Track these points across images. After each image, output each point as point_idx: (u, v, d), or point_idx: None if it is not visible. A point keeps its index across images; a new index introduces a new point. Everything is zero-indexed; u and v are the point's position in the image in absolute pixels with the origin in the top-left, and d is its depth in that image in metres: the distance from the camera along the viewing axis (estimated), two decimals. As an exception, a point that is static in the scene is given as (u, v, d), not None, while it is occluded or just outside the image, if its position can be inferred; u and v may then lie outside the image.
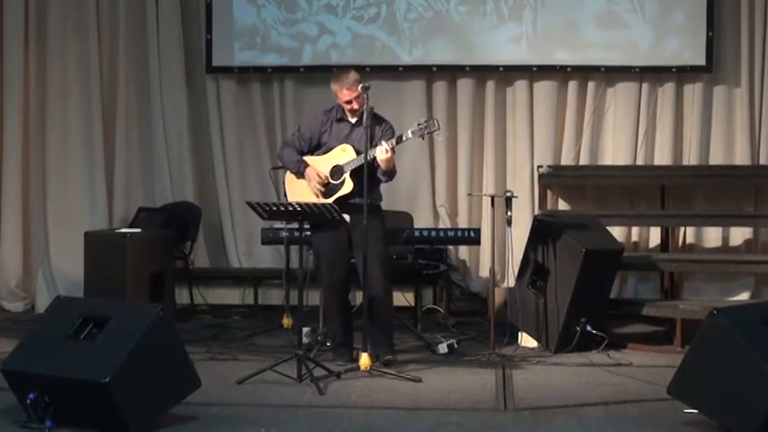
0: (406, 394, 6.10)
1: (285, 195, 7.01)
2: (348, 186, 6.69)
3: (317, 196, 6.73)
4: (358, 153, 6.67)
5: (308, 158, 6.86)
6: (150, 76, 9.19)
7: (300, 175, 6.83)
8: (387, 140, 6.59)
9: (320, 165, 6.79)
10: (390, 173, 6.69)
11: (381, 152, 6.53)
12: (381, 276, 6.73)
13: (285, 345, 7.36)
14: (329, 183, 6.74)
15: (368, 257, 6.58)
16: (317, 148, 6.89)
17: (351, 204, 6.66)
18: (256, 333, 7.94)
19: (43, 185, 9.21)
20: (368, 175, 6.54)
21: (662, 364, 6.75)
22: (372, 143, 6.60)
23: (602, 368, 6.85)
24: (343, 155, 6.73)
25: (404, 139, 6.67)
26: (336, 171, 6.73)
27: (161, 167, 9.22)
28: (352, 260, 6.84)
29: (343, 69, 7.05)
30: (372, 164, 6.59)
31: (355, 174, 6.66)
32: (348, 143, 6.75)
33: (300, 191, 6.83)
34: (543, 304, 7.38)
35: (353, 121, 6.82)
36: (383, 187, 6.92)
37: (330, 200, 6.69)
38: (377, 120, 6.81)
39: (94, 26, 9.13)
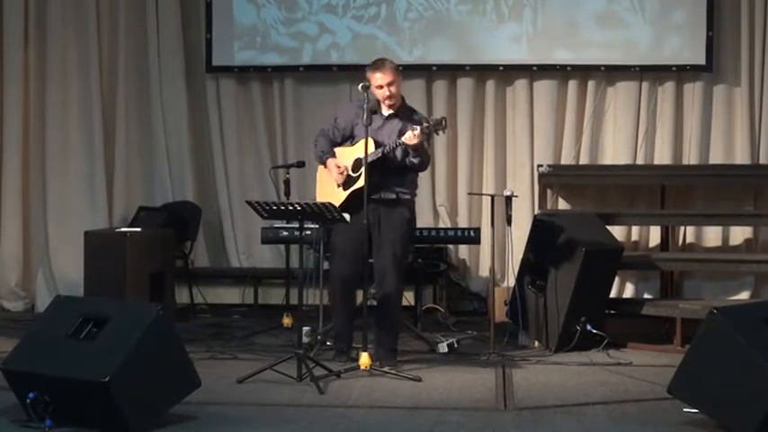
0: (406, 394, 6.09)
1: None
2: (362, 180, 6.61)
3: (338, 186, 6.74)
4: (378, 146, 6.63)
5: (337, 150, 6.87)
6: (150, 76, 9.19)
7: (324, 165, 6.85)
8: (413, 129, 6.50)
9: (346, 156, 6.79)
10: (420, 154, 6.58)
11: (410, 137, 6.46)
12: (394, 277, 6.71)
13: (285, 344, 7.36)
14: (349, 174, 6.74)
15: (382, 257, 6.61)
16: (352, 137, 6.87)
17: (373, 200, 6.58)
18: (256, 332, 7.94)
19: (43, 185, 9.21)
20: (395, 165, 6.59)
21: (662, 364, 6.75)
22: (396, 138, 6.59)
23: (603, 367, 6.84)
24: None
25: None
26: (357, 164, 6.70)
27: (161, 167, 9.22)
28: (371, 260, 6.76)
29: (379, 58, 6.94)
30: (397, 154, 6.57)
31: (373, 167, 6.55)
32: (378, 136, 6.68)
33: (327, 190, 6.83)
34: (543, 304, 7.37)
35: (387, 114, 6.78)
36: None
37: (346, 192, 6.70)
38: (410, 114, 6.79)
39: (94, 25, 9.13)
